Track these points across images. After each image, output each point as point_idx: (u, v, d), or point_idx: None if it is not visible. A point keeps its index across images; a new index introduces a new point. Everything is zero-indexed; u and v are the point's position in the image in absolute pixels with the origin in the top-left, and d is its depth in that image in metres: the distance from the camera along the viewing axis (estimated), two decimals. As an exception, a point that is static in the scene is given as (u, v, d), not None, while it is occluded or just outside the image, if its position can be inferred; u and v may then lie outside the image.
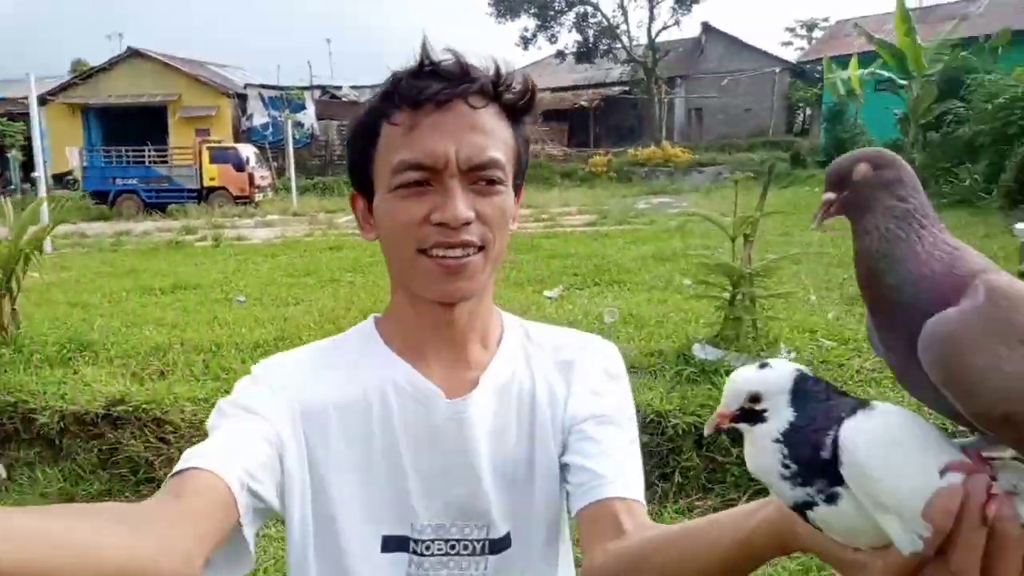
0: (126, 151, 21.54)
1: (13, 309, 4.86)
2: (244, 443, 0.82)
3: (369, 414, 0.89)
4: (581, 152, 27.13)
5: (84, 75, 29.06)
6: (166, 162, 21.37)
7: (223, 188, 20.17)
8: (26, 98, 15.58)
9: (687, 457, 3.29)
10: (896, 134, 14.17)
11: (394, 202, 0.84)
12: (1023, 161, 9.33)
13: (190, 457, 0.77)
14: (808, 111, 30.64)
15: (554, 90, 29.82)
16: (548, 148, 27.27)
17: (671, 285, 6.35)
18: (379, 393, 0.89)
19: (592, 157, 24.69)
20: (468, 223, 0.82)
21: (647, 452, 3.21)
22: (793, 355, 4.02)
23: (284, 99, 27.65)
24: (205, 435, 0.83)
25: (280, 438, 0.85)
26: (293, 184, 20.76)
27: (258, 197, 20.28)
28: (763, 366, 0.64)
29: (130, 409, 3.72)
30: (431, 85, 0.82)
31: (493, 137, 0.85)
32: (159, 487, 2.69)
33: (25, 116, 14.62)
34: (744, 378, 0.64)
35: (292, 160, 21.26)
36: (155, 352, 4.66)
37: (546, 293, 6.42)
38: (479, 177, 0.84)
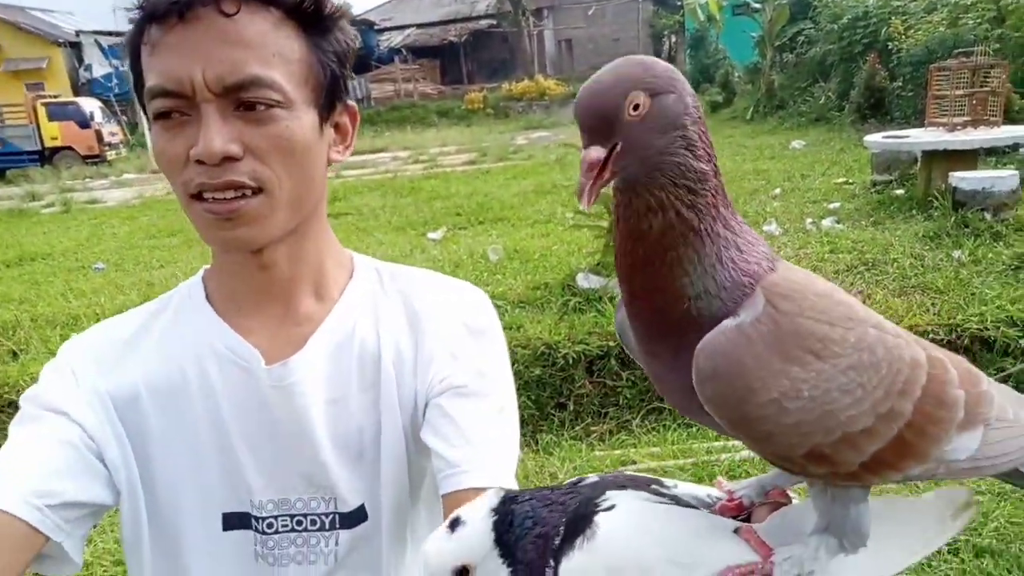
0: (-55, 112, 19.17)
1: None
2: (45, 455, 0.72)
3: (186, 388, 0.79)
4: (456, 89, 26.62)
5: None
6: (-3, 122, 19.21)
7: (69, 148, 18.39)
8: None
9: (579, 385, 3.35)
10: (755, 57, 14.71)
11: (156, 137, 0.73)
12: (868, 78, 9.92)
13: None
14: (673, 38, 31.31)
15: (420, 26, 28.99)
16: (421, 87, 26.58)
17: (553, 218, 6.39)
18: (196, 362, 0.80)
19: (467, 94, 24.29)
20: (231, 159, 0.69)
21: (541, 384, 3.26)
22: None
23: (125, 46, 25.30)
24: None
25: (92, 437, 0.76)
26: (148, 139, 19.17)
27: (110, 155, 18.64)
28: (454, 525, 0.52)
29: (-22, 395, 3.39)
30: None
31: (258, 50, 0.70)
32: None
33: None
34: (438, 552, 0.51)
35: (143, 113, 19.58)
36: (3, 330, 4.25)
37: (429, 235, 6.31)
38: (241, 101, 0.70)
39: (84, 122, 18.48)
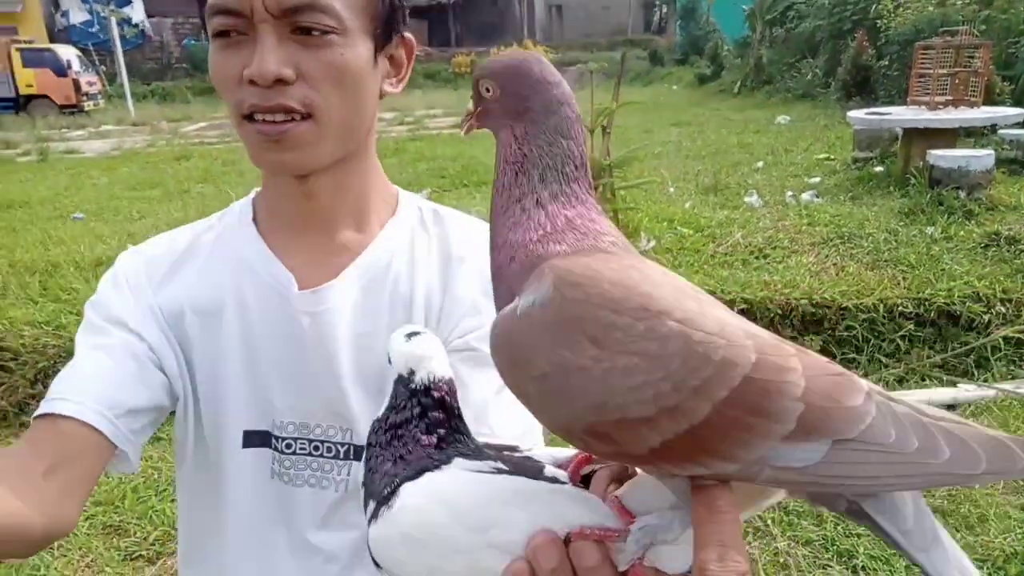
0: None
1: None
2: (113, 366, 0.76)
3: (223, 306, 0.82)
4: (443, 52, 26.27)
5: None
6: (-32, 66, 18.64)
7: (44, 96, 17.96)
8: None
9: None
10: (745, 30, 14.67)
11: (213, 55, 0.74)
12: (855, 56, 9.95)
13: (55, 392, 0.73)
14: (664, 8, 31.02)
15: (410, -15, 28.45)
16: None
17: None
18: (235, 282, 0.83)
19: (455, 57, 23.99)
20: (284, 82, 0.70)
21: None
22: (653, 244, 4.21)
23: (106, -7, 24.65)
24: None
25: (152, 348, 0.79)
26: (127, 91, 18.76)
27: (87, 106, 18.22)
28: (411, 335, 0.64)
29: (-40, 339, 3.37)
30: None
31: None
32: (5, 418, 2.49)
33: None
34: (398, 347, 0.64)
35: (123, 64, 19.16)
36: (-20, 276, 4.22)
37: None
38: (297, 24, 0.70)
39: (61, 70, 18.02)
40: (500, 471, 0.55)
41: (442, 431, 0.59)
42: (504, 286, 0.50)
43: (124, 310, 0.80)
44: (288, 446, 0.82)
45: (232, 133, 12.60)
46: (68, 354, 2.75)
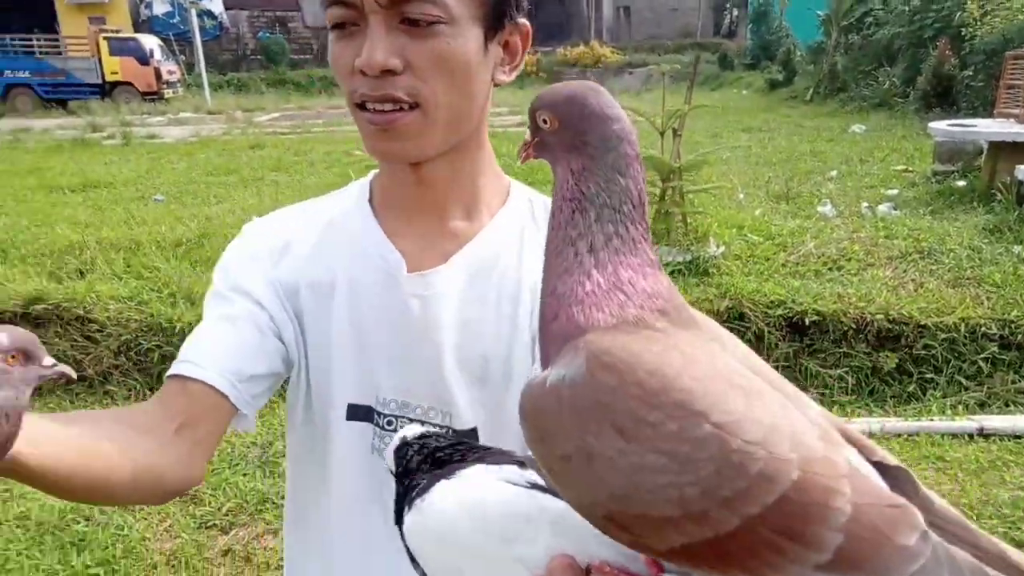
0: (11, 40, 19.58)
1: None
2: (237, 334, 0.80)
3: (335, 282, 0.85)
4: (509, 51, 26.35)
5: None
6: (60, 53, 19.56)
7: (128, 83, 18.74)
8: None
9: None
10: (819, 36, 14.30)
11: (331, 45, 0.76)
12: (937, 65, 9.60)
13: (185, 355, 0.78)
14: (735, 12, 30.46)
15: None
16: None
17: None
18: (347, 260, 0.85)
19: (520, 56, 24.05)
20: (392, 72, 0.71)
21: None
22: (722, 250, 4.15)
23: (188, -15, 25.53)
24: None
25: (272, 318, 0.83)
26: (205, 80, 19.43)
27: (167, 93, 18.95)
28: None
29: (50, 307, 3.56)
30: None
31: None
32: (91, 386, 2.62)
33: None
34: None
35: (201, 54, 19.83)
36: (71, 250, 4.43)
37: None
38: (404, 15, 0.70)
39: (144, 58, 18.80)
40: (535, 486, 0.55)
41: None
42: (545, 343, 0.49)
43: (247, 280, 0.84)
44: (389, 423, 0.85)
45: (303, 124, 12.98)
46: (149, 328, 2.87)
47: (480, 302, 0.83)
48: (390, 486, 0.83)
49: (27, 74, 18.81)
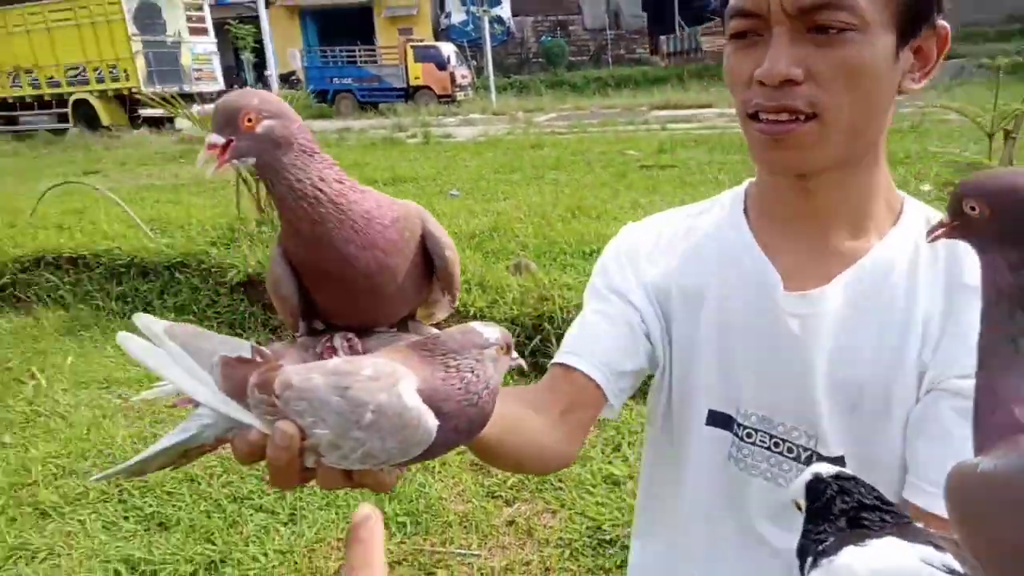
0: (339, 52, 22.85)
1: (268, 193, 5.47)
2: (611, 331, 0.87)
3: (706, 291, 0.86)
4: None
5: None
6: (375, 62, 22.43)
7: (427, 87, 20.90)
8: (253, 1, 16.90)
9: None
10: None
11: (728, 56, 0.75)
12: None
13: (569, 346, 0.88)
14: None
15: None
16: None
17: (905, 190, 5.78)
18: (720, 271, 0.86)
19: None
20: (792, 82, 0.68)
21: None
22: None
23: (482, -5, 27.68)
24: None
25: (644, 319, 0.89)
26: (492, 83, 21.03)
27: (459, 96, 20.81)
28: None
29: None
30: None
31: None
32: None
33: (253, 20, 15.94)
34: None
35: (490, 58, 21.44)
36: (385, 238, 5.07)
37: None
38: (814, 23, 0.67)
39: (442, 64, 20.84)
40: (951, 572, 0.53)
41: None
42: (979, 432, 0.48)
43: (623, 281, 0.89)
44: (748, 435, 0.85)
45: (579, 124, 13.44)
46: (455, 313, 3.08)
47: (861, 327, 0.78)
48: (742, 496, 0.86)
49: (350, 80, 21.85)
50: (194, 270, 4.49)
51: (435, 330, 0.68)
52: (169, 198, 7.39)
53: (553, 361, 0.88)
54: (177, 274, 4.53)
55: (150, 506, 2.61)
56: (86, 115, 17.43)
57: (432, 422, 0.52)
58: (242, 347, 0.59)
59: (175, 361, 0.58)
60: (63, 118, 17.70)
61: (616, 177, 7.36)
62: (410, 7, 27.93)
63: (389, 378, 0.52)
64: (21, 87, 18.10)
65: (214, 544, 2.41)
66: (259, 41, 15.04)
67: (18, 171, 10.61)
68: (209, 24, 18.77)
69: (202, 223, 5.32)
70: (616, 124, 13.34)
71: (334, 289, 0.61)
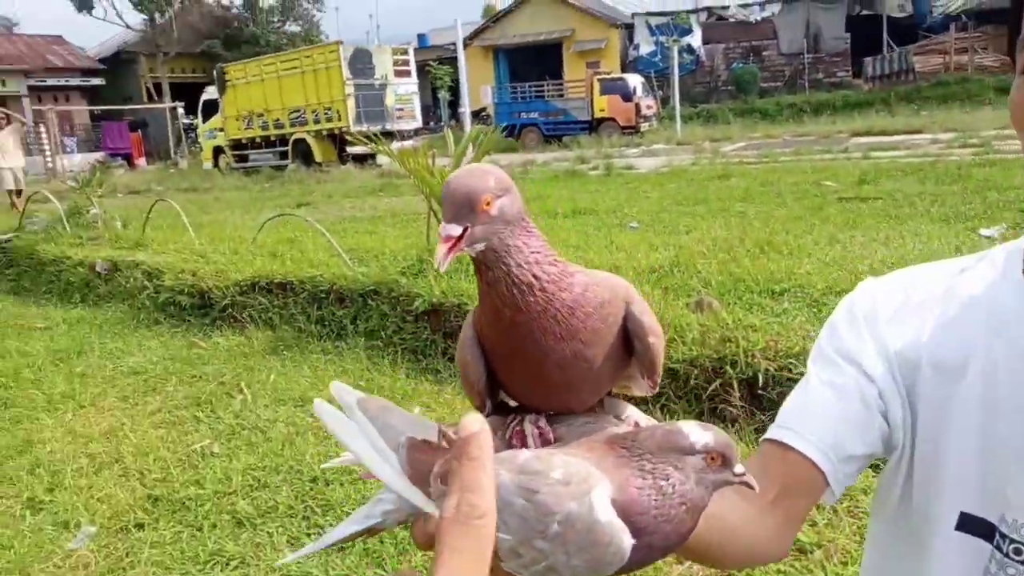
0: (528, 87, 23.65)
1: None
2: (840, 406, 0.75)
3: (966, 366, 0.72)
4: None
5: (494, 18, 32.35)
6: (561, 96, 22.96)
7: (611, 119, 21.02)
8: (452, 44, 17.98)
9: None
10: None
11: (1016, 91, 0.67)
12: None
13: (786, 421, 0.76)
14: None
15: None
16: (979, 58, 22.78)
17: None
18: (986, 342, 0.71)
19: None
20: None
21: None
22: None
23: (671, 25, 27.43)
24: None
25: (881, 394, 0.75)
26: (677, 113, 20.72)
27: (643, 127, 20.71)
28: None
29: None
30: None
31: None
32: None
33: (451, 60, 16.94)
34: None
35: (677, 88, 21.16)
36: (564, 271, 5.08)
37: (981, 231, 5.42)
38: None
39: (627, 95, 20.88)
40: None
41: None
42: None
43: (858, 346, 0.77)
44: (1017, 551, 0.68)
45: (770, 153, 12.83)
46: None
47: None
48: None
49: (535, 115, 22.50)
50: (384, 297, 4.75)
51: (636, 413, 0.62)
52: (367, 228, 7.96)
53: (766, 436, 0.77)
54: (370, 301, 4.81)
55: (331, 525, 2.74)
56: (303, 153, 19.40)
57: (627, 541, 0.46)
58: (430, 428, 0.57)
59: (364, 435, 0.57)
60: (284, 155, 19.83)
61: (810, 210, 6.87)
62: (599, 41, 28.35)
63: (582, 484, 0.46)
64: (252, 128, 20.53)
65: (384, 570, 2.48)
66: (456, 80, 15.95)
67: (243, 203, 11.99)
68: (412, 67, 20.20)
69: (394, 253, 5.64)
70: (811, 153, 12.56)
71: (526, 377, 0.57)
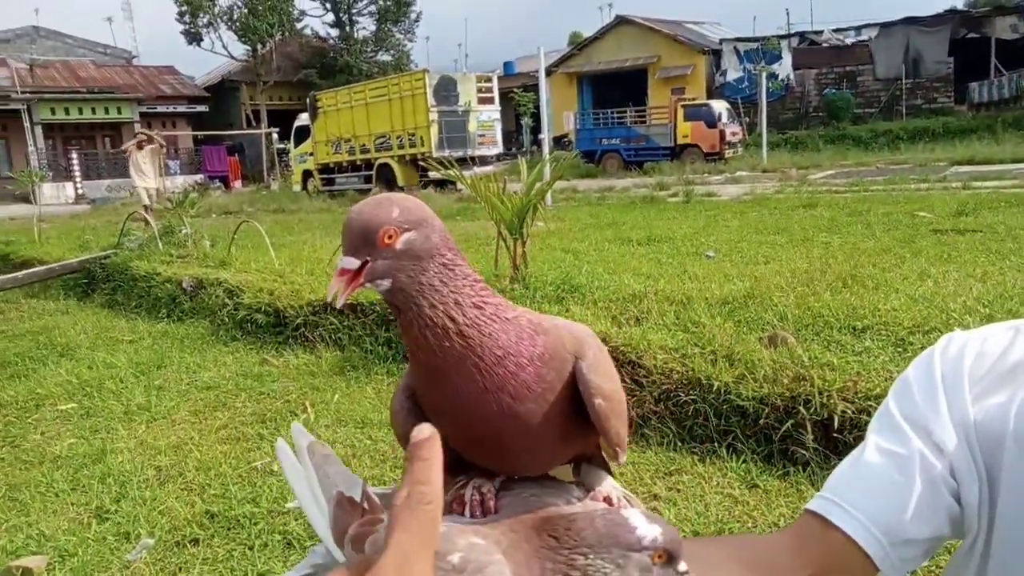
0: (610, 113, 23.58)
1: (524, 252, 5.66)
2: (899, 481, 0.65)
3: None
4: None
5: (579, 45, 32.55)
6: (644, 122, 22.77)
7: (694, 145, 20.69)
8: (536, 71, 18.16)
9: None
10: None
11: None
12: None
13: (834, 491, 0.67)
14: None
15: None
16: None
17: None
18: None
19: None
20: None
21: None
22: None
23: (759, 51, 26.87)
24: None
25: (953, 471, 0.65)
26: (764, 139, 20.17)
27: (728, 154, 20.28)
28: None
29: (609, 349, 4.02)
30: None
31: None
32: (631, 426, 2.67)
33: (536, 87, 17.04)
34: None
35: (764, 114, 20.63)
36: (632, 299, 4.94)
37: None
38: None
39: (712, 122, 20.53)
40: None
41: None
42: None
43: (932, 412, 0.67)
44: None
45: (860, 182, 12.30)
46: (688, 382, 2.89)
47: None
48: None
49: (617, 141, 22.39)
50: (448, 322, 4.75)
51: (611, 487, 0.56)
52: (440, 252, 8.02)
53: (808, 507, 0.67)
54: (434, 325, 4.82)
55: (377, 551, 2.70)
56: (386, 177, 19.92)
57: None
58: (355, 485, 0.55)
59: (307, 482, 0.58)
60: (368, 179, 20.43)
61: (901, 242, 6.49)
62: (685, 67, 28.05)
63: (475, 575, 0.42)
64: (340, 153, 21.27)
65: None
66: (539, 106, 16.05)
67: (326, 225, 12.35)
68: (496, 94, 20.52)
69: (462, 277, 5.65)
70: (906, 182, 11.94)
71: (455, 433, 0.52)
